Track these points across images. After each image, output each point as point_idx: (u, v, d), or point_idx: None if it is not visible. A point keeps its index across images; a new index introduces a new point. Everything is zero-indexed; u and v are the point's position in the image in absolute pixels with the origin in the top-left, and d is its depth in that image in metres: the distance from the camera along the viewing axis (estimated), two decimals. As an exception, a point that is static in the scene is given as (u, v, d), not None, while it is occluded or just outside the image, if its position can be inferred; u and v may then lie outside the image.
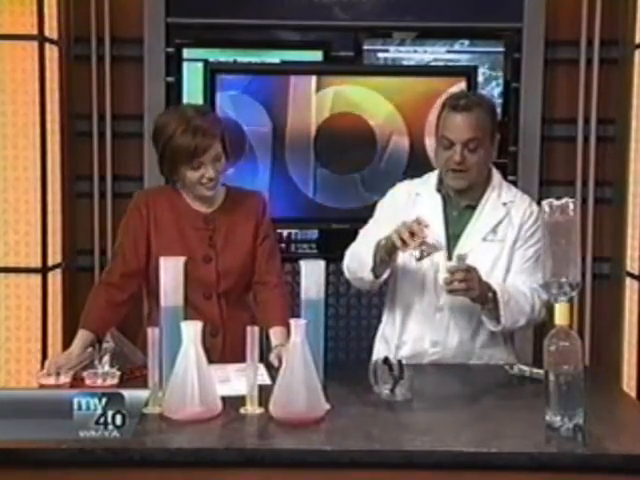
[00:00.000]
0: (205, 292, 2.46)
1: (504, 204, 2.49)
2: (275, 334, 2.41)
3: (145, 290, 2.55)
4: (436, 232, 2.41)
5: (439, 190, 2.51)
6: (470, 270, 2.28)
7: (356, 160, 3.39)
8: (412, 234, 2.25)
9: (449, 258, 2.41)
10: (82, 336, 2.33)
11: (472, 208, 2.49)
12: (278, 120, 3.38)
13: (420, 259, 2.33)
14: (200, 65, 3.43)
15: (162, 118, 2.47)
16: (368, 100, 3.39)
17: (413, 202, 2.52)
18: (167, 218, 2.48)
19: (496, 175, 2.54)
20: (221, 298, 2.49)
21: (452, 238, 2.46)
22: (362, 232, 2.56)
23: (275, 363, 2.29)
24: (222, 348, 2.43)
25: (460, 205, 2.49)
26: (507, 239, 2.47)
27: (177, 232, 2.47)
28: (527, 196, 2.59)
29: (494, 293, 2.34)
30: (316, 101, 3.37)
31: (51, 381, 2.09)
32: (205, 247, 2.47)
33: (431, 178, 2.55)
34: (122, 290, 2.44)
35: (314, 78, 3.38)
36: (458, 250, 2.42)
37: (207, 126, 2.39)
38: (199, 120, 2.38)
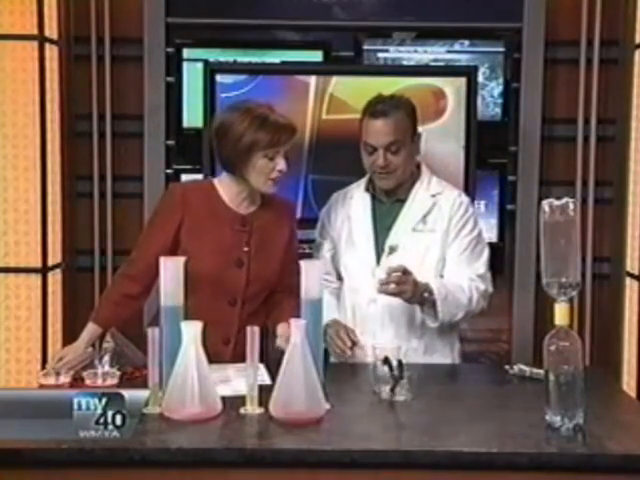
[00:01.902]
0: (231, 299, 2.42)
1: (432, 195, 2.60)
2: (282, 326, 2.36)
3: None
4: (365, 226, 2.59)
5: (367, 189, 2.64)
6: (406, 273, 2.35)
7: (354, 161, 3.36)
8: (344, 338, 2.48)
9: (380, 250, 2.54)
10: (90, 330, 2.33)
11: (402, 201, 2.59)
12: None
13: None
14: (200, 65, 3.43)
15: (228, 115, 2.41)
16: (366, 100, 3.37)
17: (347, 205, 2.66)
18: (203, 216, 2.42)
19: (425, 170, 2.66)
20: (245, 305, 2.44)
21: (382, 231, 2.58)
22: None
23: (282, 345, 2.24)
24: (232, 357, 2.38)
25: (390, 199, 2.61)
26: (437, 229, 2.56)
27: (212, 232, 2.41)
28: (457, 189, 2.70)
29: (431, 292, 2.41)
30: (314, 101, 3.35)
31: (51, 381, 2.09)
32: (240, 250, 2.42)
33: (363, 180, 2.69)
34: (140, 282, 2.40)
35: (313, 78, 3.37)
36: (389, 241, 2.53)
37: (287, 121, 2.39)
38: (276, 116, 2.38)
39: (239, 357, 2.32)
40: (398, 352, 2.18)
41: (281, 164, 2.36)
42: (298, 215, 3.22)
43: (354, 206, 2.64)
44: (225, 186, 2.45)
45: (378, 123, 2.52)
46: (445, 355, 2.59)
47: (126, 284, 2.41)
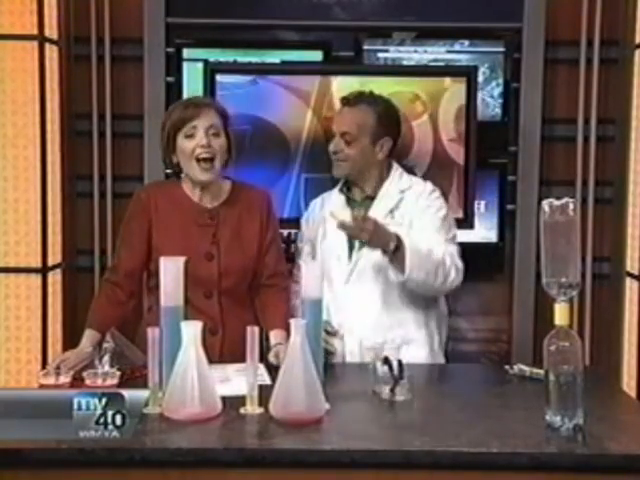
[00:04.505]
0: (206, 291, 2.45)
1: (401, 191, 2.65)
2: (275, 335, 2.42)
3: (146, 285, 2.56)
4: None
5: (342, 190, 2.73)
6: (368, 220, 2.38)
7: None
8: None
9: (352, 246, 2.60)
10: (89, 335, 2.36)
11: (372, 199, 2.65)
12: (278, 120, 3.36)
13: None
14: (200, 65, 3.42)
15: (163, 117, 2.53)
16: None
17: (324, 207, 2.72)
18: (169, 213, 2.47)
19: (396, 169, 2.70)
20: (222, 296, 2.47)
21: None
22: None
23: (274, 361, 2.29)
24: (221, 347, 2.43)
25: (361, 197, 2.68)
26: (404, 222, 2.59)
27: (179, 228, 2.46)
28: (426, 181, 2.73)
29: (399, 240, 2.42)
30: (315, 101, 3.35)
31: (51, 381, 2.08)
32: (208, 244, 2.45)
33: (339, 184, 2.76)
34: (124, 288, 2.47)
35: (313, 78, 3.36)
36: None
37: (200, 99, 2.52)
38: (194, 99, 2.53)
39: (229, 346, 2.37)
40: (398, 352, 2.18)
41: (202, 140, 2.39)
42: (286, 214, 3.24)
43: (329, 207, 2.69)
44: (186, 183, 2.50)
45: (342, 110, 2.65)
46: (422, 345, 2.59)
47: (112, 290, 2.48)
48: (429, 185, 2.68)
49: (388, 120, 2.65)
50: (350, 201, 2.69)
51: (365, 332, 2.54)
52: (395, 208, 2.61)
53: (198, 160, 2.40)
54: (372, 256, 2.54)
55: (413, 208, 2.60)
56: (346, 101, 2.65)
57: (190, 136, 2.39)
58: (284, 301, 2.51)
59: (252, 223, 2.51)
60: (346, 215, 2.62)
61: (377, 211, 2.60)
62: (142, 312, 2.64)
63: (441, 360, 2.67)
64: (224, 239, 2.47)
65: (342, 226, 2.39)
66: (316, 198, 2.84)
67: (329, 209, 2.68)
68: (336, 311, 2.60)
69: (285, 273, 2.60)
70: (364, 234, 2.39)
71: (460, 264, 2.57)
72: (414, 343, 2.57)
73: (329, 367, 2.38)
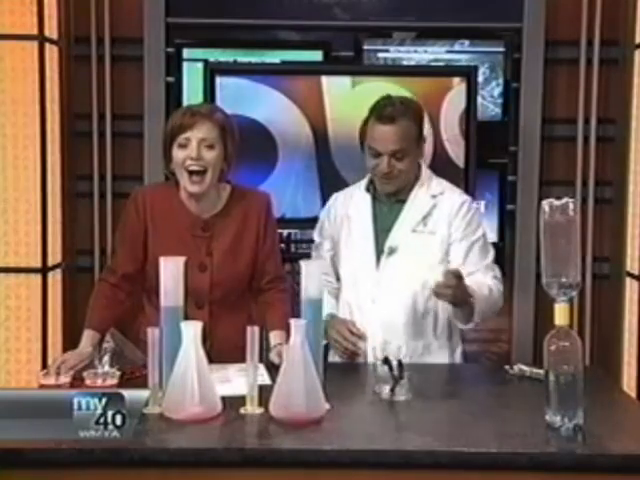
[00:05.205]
0: (198, 301, 2.41)
1: (433, 196, 2.57)
2: (275, 335, 2.41)
3: (142, 285, 2.54)
4: (365, 227, 2.56)
5: (368, 189, 2.62)
6: (460, 278, 2.30)
7: (351, 161, 3.37)
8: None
9: (380, 251, 2.52)
10: (88, 335, 2.34)
11: (402, 202, 2.57)
12: (277, 119, 3.37)
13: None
14: (200, 65, 3.43)
15: None
16: (366, 100, 3.37)
17: (347, 205, 2.64)
18: (165, 220, 2.43)
19: (425, 170, 2.63)
20: (213, 306, 2.43)
21: (382, 232, 2.56)
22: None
23: (276, 360, 2.28)
24: (208, 355, 2.39)
25: (390, 200, 2.58)
26: (437, 231, 2.53)
27: (174, 237, 2.41)
28: (457, 188, 2.67)
29: (472, 296, 2.38)
30: (316, 101, 3.36)
31: (51, 381, 2.08)
32: (202, 255, 2.41)
33: (364, 180, 2.66)
34: (122, 289, 2.45)
35: (314, 78, 3.36)
36: (389, 243, 2.52)
37: (198, 108, 2.40)
38: (195, 107, 2.43)
39: (217, 356, 2.30)
40: (398, 352, 2.18)
41: (194, 151, 2.32)
42: (284, 214, 3.23)
43: (354, 206, 2.62)
44: (182, 191, 2.44)
45: (385, 129, 2.47)
46: (442, 356, 2.57)
47: (110, 290, 2.44)
48: (464, 196, 2.61)
49: (421, 120, 2.57)
50: (376, 202, 2.60)
51: (388, 338, 2.51)
52: (428, 215, 2.54)
53: (189, 172, 2.35)
54: (401, 265, 2.50)
55: (447, 220, 2.53)
56: (381, 117, 2.48)
57: (183, 146, 2.34)
58: (284, 302, 2.49)
59: (249, 232, 2.46)
60: (367, 218, 2.57)
61: (408, 217, 2.54)
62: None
63: None
64: (218, 251, 2.42)
65: (441, 294, 2.31)
66: (336, 194, 2.75)
67: (354, 210, 2.61)
68: (361, 314, 2.56)
69: (284, 275, 2.58)
70: (456, 299, 2.34)
71: (502, 288, 2.56)
72: (434, 354, 2.56)
73: (340, 367, 2.38)
